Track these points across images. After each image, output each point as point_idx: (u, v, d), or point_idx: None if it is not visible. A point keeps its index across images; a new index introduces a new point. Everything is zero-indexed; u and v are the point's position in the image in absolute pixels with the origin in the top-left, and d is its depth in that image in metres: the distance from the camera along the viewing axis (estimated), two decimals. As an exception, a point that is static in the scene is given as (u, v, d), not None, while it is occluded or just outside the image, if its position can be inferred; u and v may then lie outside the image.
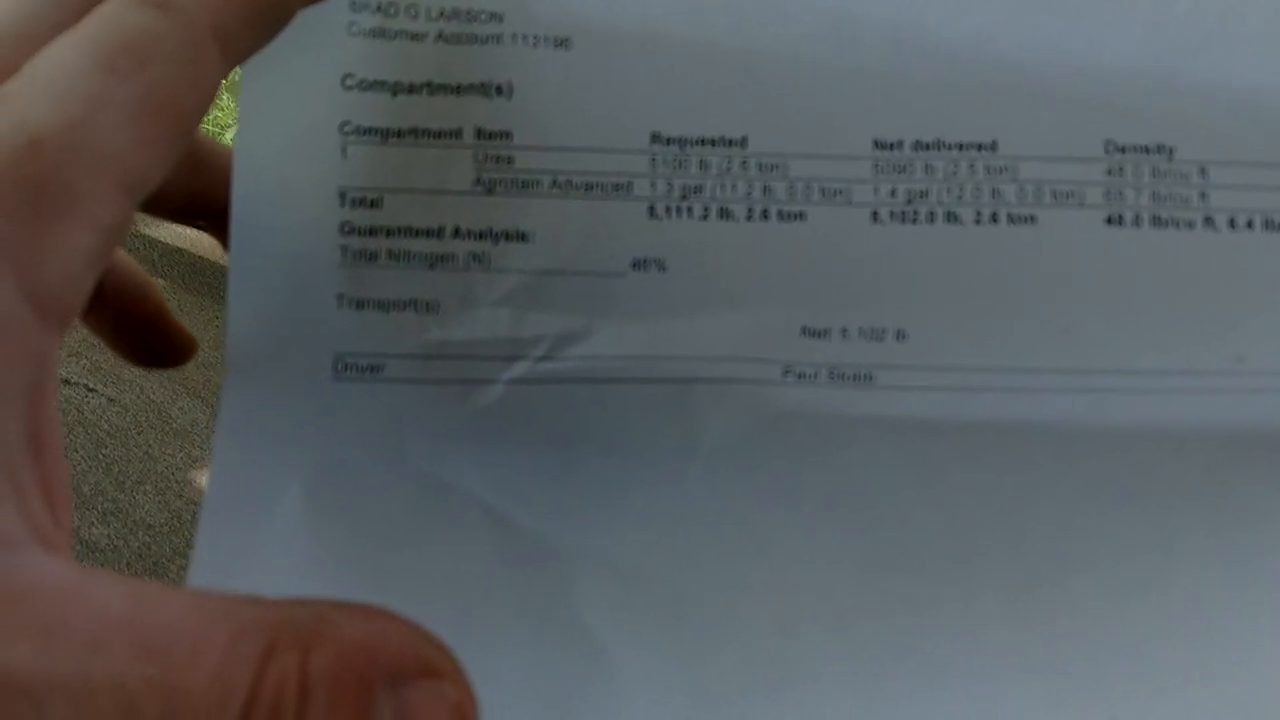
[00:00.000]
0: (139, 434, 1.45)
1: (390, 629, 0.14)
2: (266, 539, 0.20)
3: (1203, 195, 0.21)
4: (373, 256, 0.21)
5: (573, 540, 0.21)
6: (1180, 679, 0.20)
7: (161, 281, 1.72)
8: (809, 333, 0.22)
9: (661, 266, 0.21)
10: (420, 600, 0.15)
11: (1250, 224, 0.21)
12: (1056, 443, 0.22)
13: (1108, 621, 0.20)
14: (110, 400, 1.47)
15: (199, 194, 0.22)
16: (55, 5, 0.16)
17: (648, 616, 0.20)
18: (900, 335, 0.22)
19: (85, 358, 1.47)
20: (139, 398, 1.50)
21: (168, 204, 0.22)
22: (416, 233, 0.21)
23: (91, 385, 1.47)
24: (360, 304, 0.21)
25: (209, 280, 1.71)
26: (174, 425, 1.49)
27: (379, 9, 0.21)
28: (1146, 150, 0.22)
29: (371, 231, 0.21)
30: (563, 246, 0.21)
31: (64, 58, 0.14)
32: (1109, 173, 0.22)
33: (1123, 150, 0.22)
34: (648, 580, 0.21)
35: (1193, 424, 0.21)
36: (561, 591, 0.20)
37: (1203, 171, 0.21)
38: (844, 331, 0.22)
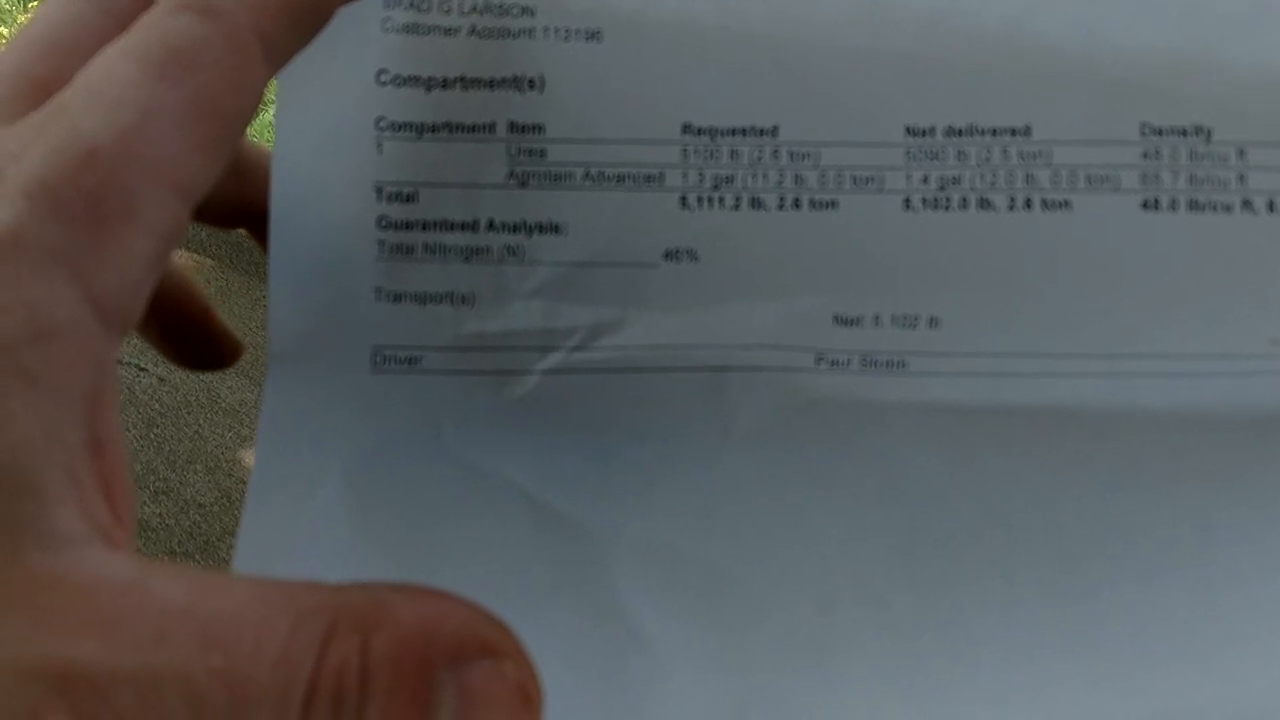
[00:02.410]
0: (189, 413, 1.48)
1: (449, 610, 0.14)
2: (308, 524, 0.20)
3: (1241, 178, 0.21)
4: (409, 250, 0.21)
5: (609, 523, 0.21)
6: (1217, 654, 0.20)
7: (209, 261, 1.74)
8: (841, 320, 0.22)
9: (694, 256, 0.22)
10: (458, 582, 0.15)
11: None
12: (1091, 426, 0.21)
13: (1144, 599, 0.20)
14: (161, 380, 1.50)
15: (241, 199, 0.22)
16: (102, 13, 0.17)
17: (684, 596, 0.21)
18: (933, 322, 0.22)
19: (136, 337, 1.50)
20: (189, 377, 1.52)
21: (212, 211, 0.22)
22: (451, 226, 0.22)
23: (142, 365, 1.50)
24: (397, 297, 0.21)
25: (256, 259, 1.72)
26: (223, 404, 1.51)
27: (412, 5, 0.21)
28: (1183, 133, 0.21)
29: (408, 225, 0.21)
30: (596, 238, 0.22)
31: (114, 67, 0.15)
32: (1145, 156, 0.21)
33: (1159, 133, 0.21)
34: (683, 561, 0.21)
35: (1228, 407, 0.21)
36: (599, 572, 0.21)
37: (1241, 153, 0.21)
38: (876, 319, 0.22)
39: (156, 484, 1.35)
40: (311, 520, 0.20)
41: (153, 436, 1.41)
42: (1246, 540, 0.21)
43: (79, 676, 0.12)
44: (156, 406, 1.46)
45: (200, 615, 0.13)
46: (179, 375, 1.51)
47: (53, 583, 0.13)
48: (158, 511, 1.31)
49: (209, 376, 1.52)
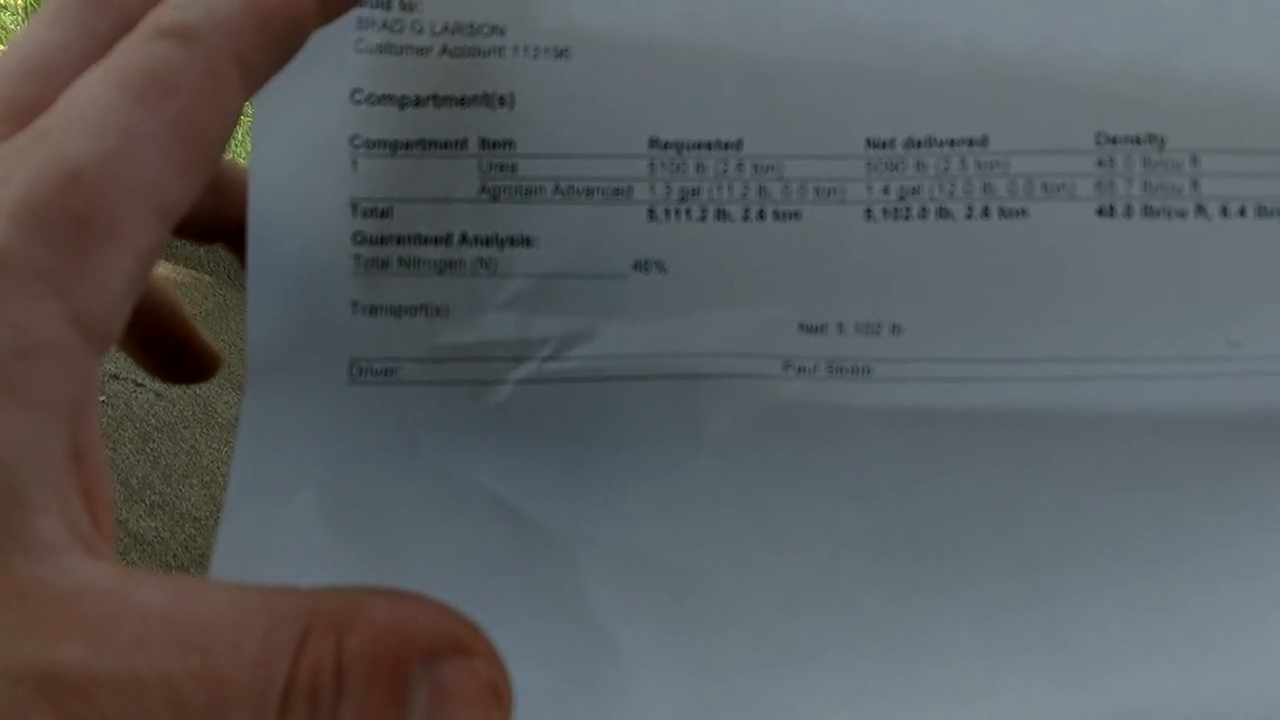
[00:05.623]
0: (185, 428, 1.47)
1: (422, 610, 0.15)
2: (285, 531, 0.21)
3: (1194, 184, 0.22)
4: (384, 264, 0.22)
5: (581, 528, 0.22)
6: (1181, 654, 0.20)
7: (207, 277, 1.74)
8: (806, 328, 0.22)
9: (662, 267, 0.22)
10: (432, 586, 0.16)
11: (1242, 211, 0.22)
12: (1054, 429, 0.22)
13: (1108, 600, 0.21)
14: (158, 395, 1.50)
15: (219, 215, 0.23)
16: (84, 38, 0.17)
17: (654, 599, 0.21)
18: (895, 329, 0.22)
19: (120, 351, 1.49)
20: (185, 392, 1.52)
21: (191, 227, 0.23)
22: (425, 240, 0.22)
23: (139, 380, 1.50)
24: (373, 310, 0.22)
25: (251, 275, 1.71)
26: (219, 419, 1.51)
27: (385, 25, 0.22)
28: (1138, 140, 0.22)
29: (383, 240, 0.22)
30: (566, 250, 0.22)
31: (96, 91, 0.15)
32: (1100, 164, 0.22)
33: (1114, 141, 0.22)
34: (654, 564, 0.21)
35: (1190, 409, 0.22)
36: (570, 576, 0.21)
37: (1194, 160, 0.22)
38: (840, 326, 0.22)
39: (152, 498, 1.34)
40: (288, 527, 0.21)
41: (149, 451, 1.41)
42: (1209, 543, 0.21)
43: (63, 679, 0.13)
44: (153, 421, 1.46)
45: (179, 619, 0.13)
46: (175, 390, 1.51)
47: (36, 589, 0.13)
48: (154, 525, 1.31)
49: (205, 392, 1.53)
